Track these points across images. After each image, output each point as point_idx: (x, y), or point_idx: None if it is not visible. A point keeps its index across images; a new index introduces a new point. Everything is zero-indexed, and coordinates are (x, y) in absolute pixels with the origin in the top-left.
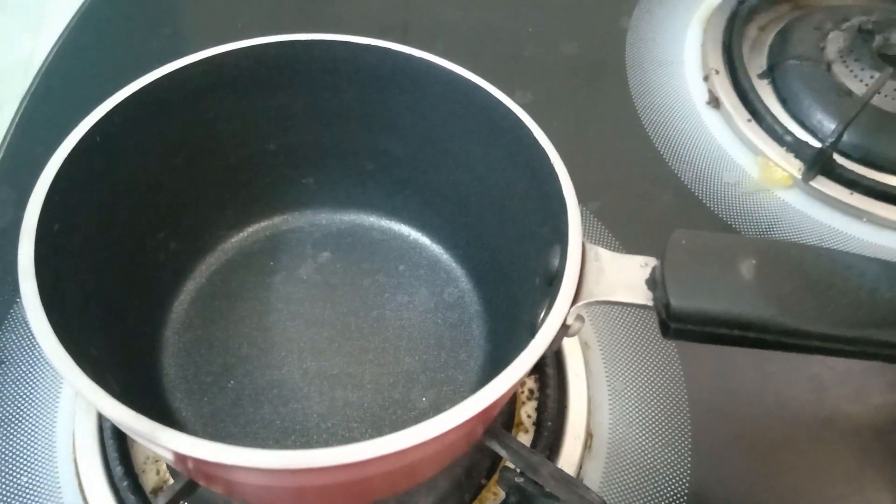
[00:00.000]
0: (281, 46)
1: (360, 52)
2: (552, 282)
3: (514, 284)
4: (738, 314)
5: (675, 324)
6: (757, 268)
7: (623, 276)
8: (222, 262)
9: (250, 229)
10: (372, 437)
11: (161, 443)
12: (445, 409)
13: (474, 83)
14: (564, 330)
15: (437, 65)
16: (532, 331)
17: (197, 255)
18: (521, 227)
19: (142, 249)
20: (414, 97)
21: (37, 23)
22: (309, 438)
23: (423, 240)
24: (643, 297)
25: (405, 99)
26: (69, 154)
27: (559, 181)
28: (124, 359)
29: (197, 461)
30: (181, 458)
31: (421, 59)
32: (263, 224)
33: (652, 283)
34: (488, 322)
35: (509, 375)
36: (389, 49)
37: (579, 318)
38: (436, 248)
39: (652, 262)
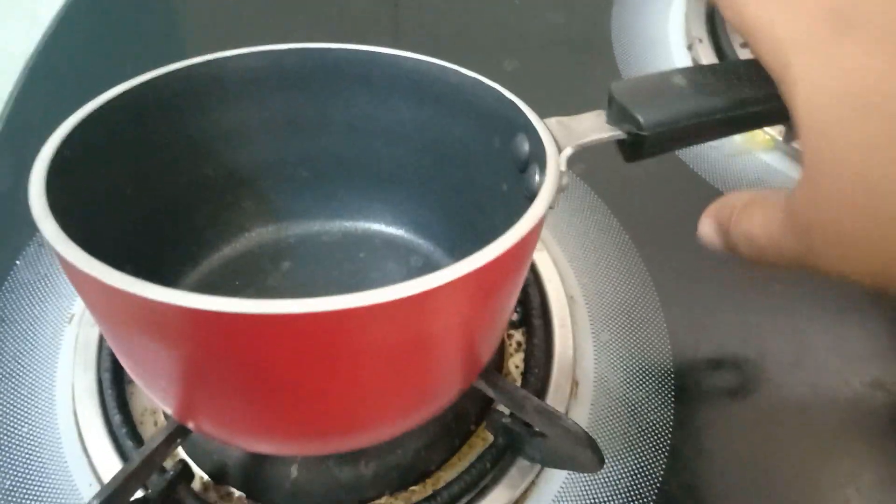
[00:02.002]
0: (203, 66)
1: (281, 58)
2: (526, 167)
3: (478, 216)
4: (689, 109)
5: (650, 135)
6: (684, 78)
7: (587, 124)
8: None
9: (204, 261)
10: None
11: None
12: None
13: (389, 54)
14: (560, 179)
15: (345, 49)
16: (529, 196)
17: None
18: (468, 159)
19: None
20: (334, 91)
21: (30, 20)
22: None
23: (374, 227)
24: (610, 132)
25: (328, 96)
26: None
27: (493, 88)
28: None
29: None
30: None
31: (335, 50)
32: (215, 255)
33: (612, 120)
34: None
35: (527, 220)
36: (307, 49)
37: (567, 171)
38: (387, 230)
39: (602, 111)
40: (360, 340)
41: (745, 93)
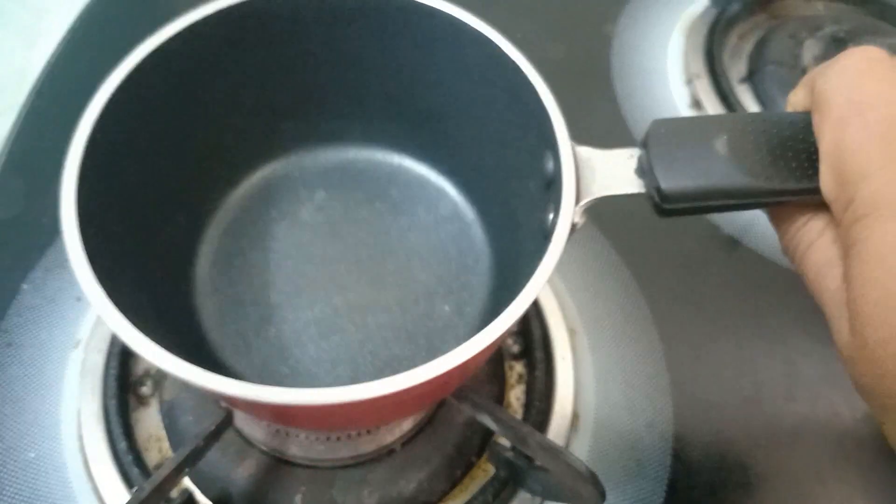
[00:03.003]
0: (245, 5)
1: None
2: (550, 185)
3: (504, 190)
4: (719, 186)
5: (667, 204)
6: (729, 142)
7: (615, 170)
8: (228, 222)
9: (244, 184)
10: (409, 350)
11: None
12: (467, 312)
13: (442, 10)
14: (573, 229)
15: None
16: (543, 233)
17: (203, 221)
18: (504, 138)
19: (156, 227)
20: (380, 30)
21: (32, 36)
22: (356, 364)
23: (408, 162)
24: (636, 185)
25: (372, 34)
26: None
27: (537, 92)
28: (168, 332)
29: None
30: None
31: None
32: (255, 177)
33: (640, 171)
34: (485, 227)
35: (538, 279)
36: None
37: (582, 214)
38: (421, 168)
39: (636, 152)
40: (378, 404)
41: (788, 183)
